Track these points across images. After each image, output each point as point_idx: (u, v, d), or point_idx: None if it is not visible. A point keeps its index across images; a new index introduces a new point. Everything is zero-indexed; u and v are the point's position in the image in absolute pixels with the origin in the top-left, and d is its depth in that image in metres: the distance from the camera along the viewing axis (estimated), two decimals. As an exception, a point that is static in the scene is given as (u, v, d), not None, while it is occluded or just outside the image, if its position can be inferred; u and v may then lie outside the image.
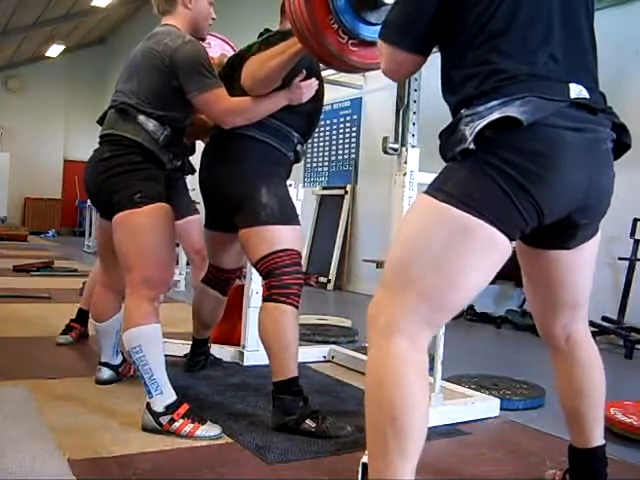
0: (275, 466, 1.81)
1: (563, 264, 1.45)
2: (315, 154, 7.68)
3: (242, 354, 3.01)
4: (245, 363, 2.98)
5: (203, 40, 2.37)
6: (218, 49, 2.72)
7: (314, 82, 2.20)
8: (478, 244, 1.23)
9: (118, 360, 2.56)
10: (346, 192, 6.96)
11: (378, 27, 1.52)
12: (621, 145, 1.39)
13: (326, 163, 7.52)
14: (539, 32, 1.28)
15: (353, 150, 7.05)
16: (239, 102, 2.15)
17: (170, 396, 2.02)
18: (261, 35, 2.38)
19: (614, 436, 2.18)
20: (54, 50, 14.54)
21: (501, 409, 2.41)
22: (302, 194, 3.16)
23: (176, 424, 1.98)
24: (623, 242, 4.19)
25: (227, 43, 3.00)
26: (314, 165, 7.70)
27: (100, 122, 2.31)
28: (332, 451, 1.93)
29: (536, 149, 1.21)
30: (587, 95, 1.28)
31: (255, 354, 3.01)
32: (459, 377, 2.71)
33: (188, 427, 1.98)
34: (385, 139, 2.06)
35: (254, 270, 2.85)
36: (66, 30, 13.86)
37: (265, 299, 2.18)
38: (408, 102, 2.06)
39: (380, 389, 1.22)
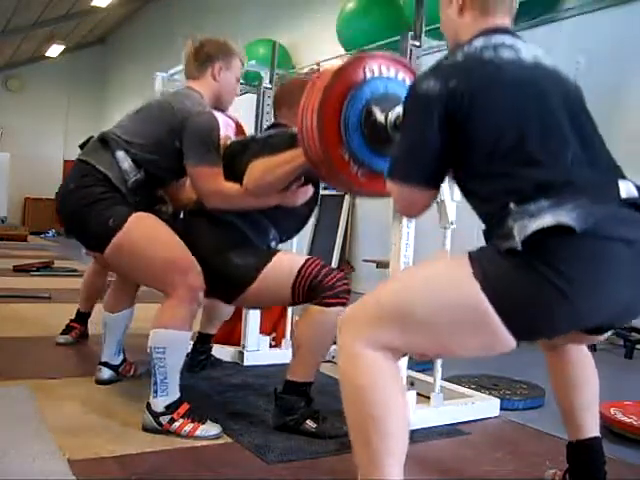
0: (275, 466, 1.81)
1: (587, 337, 1.49)
2: (315, 154, 7.67)
3: (242, 354, 3.01)
4: (245, 363, 2.98)
5: (223, 112, 2.38)
6: (223, 128, 2.71)
7: (310, 190, 2.18)
8: (482, 334, 1.22)
9: (118, 360, 2.56)
10: (346, 192, 6.95)
11: (387, 159, 1.52)
12: None
13: (326, 163, 7.51)
14: (555, 137, 1.28)
15: (353, 150, 7.05)
16: (230, 189, 2.10)
17: (173, 397, 2.02)
18: (268, 128, 2.39)
19: (614, 436, 2.18)
20: (54, 50, 14.53)
21: (501, 409, 2.42)
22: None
23: (176, 424, 1.98)
24: (623, 242, 4.19)
25: (233, 120, 3.00)
26: (314, 165, 7.70)
27: (81, 147, 2.29)
28: (332, 451, 1.93)
29: (586, 263, 1.17)
30: (636, 193, 1.25)
31: (255, 354, 3.01)
32: (459, 377, 2.72)
33: (188, 427, 1.97)
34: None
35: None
36: (66, 30, 13.84)
37: (315, 303, 2.08)
38: (408, 102, 2.06)
39: (357, 391, 1.25)
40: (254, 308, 2.75)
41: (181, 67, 2.41)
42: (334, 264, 6.75)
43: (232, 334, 3.14)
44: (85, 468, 1.70)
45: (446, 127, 1.30)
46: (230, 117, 2.98)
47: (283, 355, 2.92)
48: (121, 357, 2.58)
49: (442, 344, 1.27)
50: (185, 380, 2.09)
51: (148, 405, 2.01)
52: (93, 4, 11.75)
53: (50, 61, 15.18)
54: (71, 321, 3.28)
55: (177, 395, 2.03)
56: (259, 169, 2.07)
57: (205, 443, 1.95)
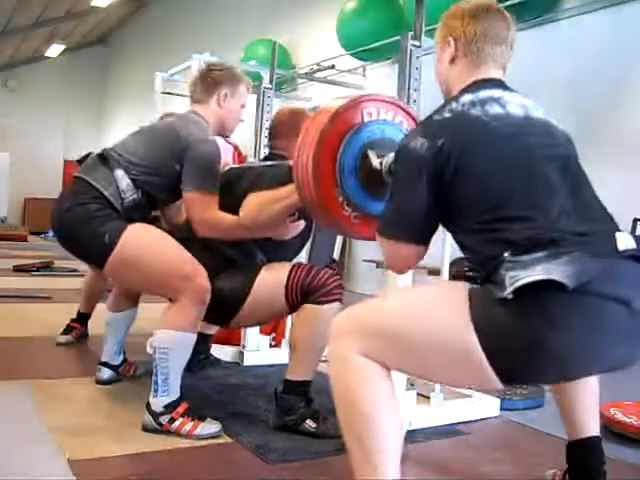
0: (275, 466, 1.81)
1: None
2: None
3: (242, 354, 3.01)
4: (245, 363, 2.98)
5: (227, 137, 2.38)
6: (222, 154, 2.71)
7: (301, 225, 2.18)
8: (469, 372, 1.23)
9: (118, 360, 2.56)
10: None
11: (382, 202, 1.55)
12: None
13: (326, 163, 7.51)
14: (542, 190, 1.28)
15: (353, 150, 7.04)
16: (223, 220, 2.09)
17: (173, 397, 2.02)
18: (265, 158, 2.39)
19: (614, 436, 2.18)
20: (54, 50, 14.54)
21: (501, 409, 2.42)
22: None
23: (176, 423, 1.98)
24: (623, 242, 4.19)
25: (232, 145, 2.99)
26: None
27: (80, 162, 2.27)
28: (332, 451, 1.93)
29: (578, 320, 1.15)
30: (634, 244, 1.23)
31: (255, 354, 3.01)
32: (459, 377, 2.71)
33: (187, 425, 1.98)
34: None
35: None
36: (66, 30, 13.85)
37: (306, 302, 2.10)
38: (408, 102, 2.06)
39: (347, 391, 1.27)
40: (255, 326, 2.75)
41: (181, 67, 2.42)
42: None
43: (232, 334, 3.14)
44: (85, 468, 1.70)
45: (434, 185, 1.32)
46: (229, 141, 2.98)
47: (283, 355, 2.92)
48: (121, 357, 2.58)
49: (430, 373, 1.30)
50: (185, 380, 2.09)
51: (148, 405, 2.01)
52: (93, 4, 11.76)
53: (50, 61, 15.19)
54: (72, 321, 3.28)
55: (177, 395, 2.03)
56: (255, 205, 2.06)
57: (205, 443, 1.95)
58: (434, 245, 1.49)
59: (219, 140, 2.32)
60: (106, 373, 2.51)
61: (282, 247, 2.27)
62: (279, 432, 2.06)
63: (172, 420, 1.98)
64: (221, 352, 3.01)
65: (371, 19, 5.81)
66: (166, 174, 2.16)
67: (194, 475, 1.75)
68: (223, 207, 2.11)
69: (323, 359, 3.19)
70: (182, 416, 1.99)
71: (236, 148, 2.96)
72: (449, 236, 2.24)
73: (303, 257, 2.52)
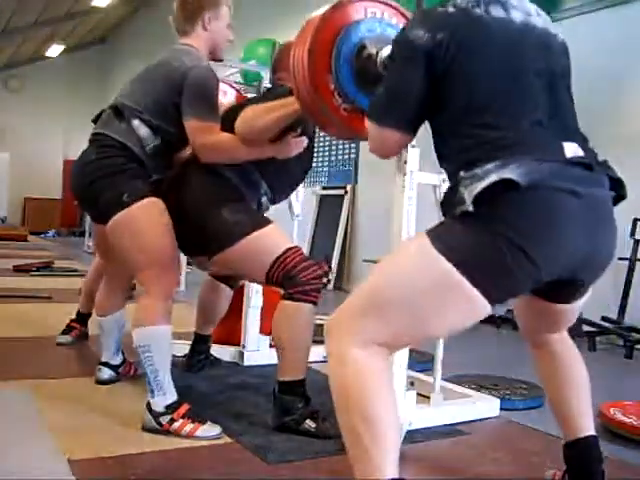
0: (275, 466, 1.81)
1: (557, 308, 1.51)
2: (315, 154, 7.67)
3: (242, 354, 3.01)
4: (245, 363, 2.98)
5: (220, 61, 2.38)
6: (223, 94, 2.72)
7: (304, 140, 2.19)
8: (457, 301, 1.25)
9: (118, 360, 2.56)
10: (346, 192, 6.95)
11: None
12: (617, 197, 1.42)
13: (326, 163, 7.52)
14: (522, 101, 1.34)
15: (353, 150, 7.05)
16: (226, 141, 2.11)
17: (171, 396, 2.02)
18: (265, 92, 2.41)
19: (614, 436, 2.18)
20: (54, 50, 14.54)
21: (501, 409, 2.41)
22: (302, 194, 3.16)
23: (176, 424, 1.98)
24: (623, 242, 4.19)
25: (234, 89, 3.00)
26: (314, 165, 7.70)
27: (94, 121, 2.31)
28: (332, 451, 1.93)
29: (533, 211, 1.23)
30: (582, 153, 1.31)
31: (255, 354, 3.01)
32: (459, 377, 2.72)
33: (188, 427, 1.97)
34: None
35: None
36: (66, 30, 13.85)
37: (285, 297, 2.10)
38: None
39: (345, 391, 1.27)
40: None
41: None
42: (334, 264, 6.75)
43: (232, 334, 3.14)
44: (85, 468, 1.70)
45: (429, 75, 1.35)
46: (232, 86, 2.98)
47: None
48: (121, 357, 2.58)
49: (424, 325, 1.29)
50: (185, 380, 2.10)
51: (148, 405, 2.01)
52: (93, 4, 11.76)
53: (50, 61, 15.19)
54: (71, 321, 3.28)
55: (175, 395, 2.03)
56: (251, 112, 2.09)
57: (205, 443, 1.95)
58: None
59: (224, 86, 2.29)
60: (106, 373, 2.51)
61: (285, 173, 2.29)
62: (279, 432, 2.06)
63: (172, 421, 1.98)
64: (221, 352, 3.01)
65: (371, 19, 5.80)
66: (173, 113, 2.16)
67: (194, 475, 1.74)
68: None
69: (323, 359, 3.20)
70: (183, 417, 1.99)
71: (239, 92, 2.96)
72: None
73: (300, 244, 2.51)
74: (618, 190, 1.40)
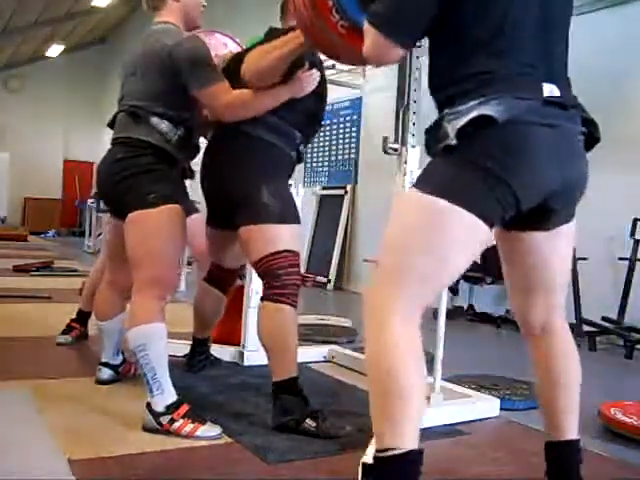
0: (275, 466, 1.81)
1: (540, 246, 1.53)
2: (315, 154, 7.68)
3: (242, 354, 3.01)
4: (245, 363, 2.98)
5: (198, 28, 2.38)
6: (219, 48, 2.71)
7: (315, 73, 2.19)
8: (462, 230, 1.35)
9: (118, 360, 2.56)
10: (346, 192, 6.95)
11: None
12: (593, 139, 1.49)
13: (326, 163, 7.52)
14: (521, 41, 1.38)
15: (353, 150, 7.05)
16: (240, 95, 2.14)
17: (171, 396, 2.02)
18: (267, 34, 2.38)
19: (614, 436, 2.19)
20: (54, 50, 14.54)
21: (501, 409, 2.41)
22: (302, 194, 3.16)
23: (176, 424, 1.98)
24: (623, 242, 4.20)
25: (234, 41, 2.99)
26: (314, 165, 7.70)
27: (110, 125, 2.32)
28: (332, 451, 1.93)
29: (511, 143, 1.33)
30: (558, 93, 1.39)
31: (255, 354, 3.01)
32: (459, 377, 2.72)
33: (188, 427, 1.97)
34: (385, 139, 2.06)
35: (254, 270, 2.86)
36: (66, 30, 13.85)
37: (264, 298, 2.17)
38: (408, 102, 2.06)
39: (379, 359, 1.33)
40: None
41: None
42: (334, 264, 6.75)
43: (232, 334, 3.14)
44: (85, 468, 1.70)
45: None
46: (233, 39, 2.96)
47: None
48: (121, 357, 2.58)
49: (450, 260, 1.37)
50: (185, 380, 2.10)
51: (148, 405, 2.01)
52: (93, 4, 11.77)
53: (50, 61, 15.19)
54: (71, 321, 3.27)
55: (174, 395, 2.03)
56: (254, 56, 2.11)
57: (205, 443, 1.95)
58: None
59: (224, 38, 2.29)
60: (106, 373, 2.51)
61: (309, 114, 2.31)
62: (279, 432, 2.06)
63: (172, 421, 1.98)
64: (221, 352, 3.01)
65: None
66: (181, 96, 2.17)
67: (194, 475, 1.74)
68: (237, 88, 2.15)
69: (323, 359, 3.20)
70: (183, 417, 1.99)
71: (239, 45, 2.94)
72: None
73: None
74: (592, 130, 1.48)
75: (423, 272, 1.36)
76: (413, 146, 2.05)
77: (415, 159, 2.05)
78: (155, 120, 2.16)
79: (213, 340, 2.94)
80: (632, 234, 4.14)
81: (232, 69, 2.26)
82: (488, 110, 1.31)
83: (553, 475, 1.60)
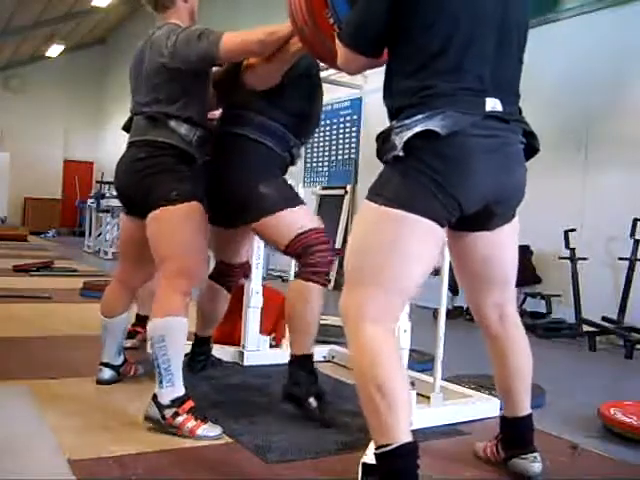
0: (275, 466, 1.81)
1: (487, 242, 1.67)
2: (315, 154, 7.68)
3: (242, 354, 3.01)
4: (245, 363, 2.98)
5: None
6: None
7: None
8: (417, 233, 1.47)
9: (120, 360, 2.57)
10: (346, 192, 6.96)
11: None
12: (532, 149, 1.62)
13: (326, 163, 7.52)
14: (472, 55, 1.47)
15: (353, 150, 7.05)
16: (246, 33, 2.15)
17: (179, 390, 2.03)
18: None
19: (614, 436, 2.19)
20: (54, 50, 14.55)
21: (501, 409, 2.40)
22: (302, 194, 3.16)
23: (179, 418, 1.99)
24: (623, 242, 4.20)
25: None
26: (314, 165, 7.71)
27: (125, 129, 2.35)
28: (332, 451, 1.93)
29: (451, 154, 1.46)
30: (500, 108, 1.50)
31: (255, 354, 3.01)
32: (459, 377, 2.71)
33: (190, 423, 1.98)
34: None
35: (254, 270, 2.88)
36: (66, 30, 13.86)
37: (297, 276, 2.30)
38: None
39: (362, 367, 1.46)
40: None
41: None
42: (334, 264, 6.74)
43: (232, 334, 3.14)
44: (85, 468, 1.70)
45: (393, 10, 1.48)
46: None
47: (283, 355, 2.91)
48: (122, 358, 2.58)
49: (409, 267, 1.48)
50: (185, 380, 2.09)
51: (155, 396, 2.02)
52: (93, 4, 11.77)
53: (50, 61, 15.19)
54: (133, 326, 3.18)
55: (183, 390, 2.05)
56: (255, 62, 2.21)
57: (205, 443, 1.95)
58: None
59: None
60: (107, 373, 2.51)
61: (303, 117, 2.39)
62: (279, 432, 2.06)
63: (176, 414, 1.99)
64: (221, 352, 3.01)
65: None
66: (192, 97, 2.20)
67: (194, 475, 1.74)
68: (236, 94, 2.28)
69: (323, 359, 3.20)
70: (187, 413, 2.00)
71: None
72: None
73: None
74: (531, 142, 1.61)
75: (386, 277, 1.47)
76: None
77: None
78: (173, 123, 2.18)
79: (213, 340, 2.93)
80: (632, 234, 4.14)
81: (230, 71, 2.31)
82: (432, 125, 1.43)
83: (511, 443, 1.83)
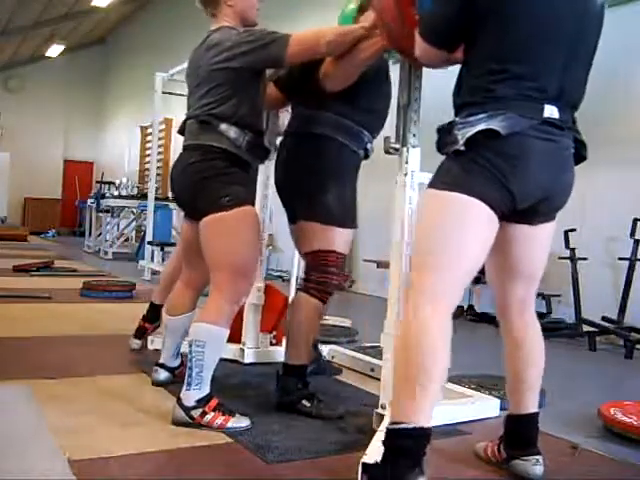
0: (275, 466, 1.81)
1: (526, 235, 1.75)
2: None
3: (242, 352, 3.01)
4: (245, 361, 2.98)
5: (255, 25, 2.40)
6: None
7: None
8: (479, 217, 1.57)
9: (176, 363, 2.55)
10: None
11: None
12: (580, 157, 1.72)
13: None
14: (540, 67, 1.58)
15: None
16: (318, 31, 2.21)
17: (204, 391, 2.05)
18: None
19: (614, 436, 2.19)
20: (54, 50, 14.54)
21: (501, 409, 2.41)
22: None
23: (208, 417, 2.02)
24: (623, 242, 4.19)
25: None
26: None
27: (180, 132, 2.37)
28: (332, 451, 1.94)
29: (511, 153, 1.56)
30: (557, 115, 1.60)
31: (255, 352, 3.01)
32: (459, 377, 2.71)
33: (219, 419, 2.02)
34: (386, 139, 2.06)
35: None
36: (66, 30, 13.85)
37: (302, 290, 2.36)
38: (409, 101, 2.05)
39: (409, 343, 1.53)
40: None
41: (181, 67, 2.41)
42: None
43: (233, 332, 3.13)
44: (85, 468, 1.70)
45: (467, 10, 1.58)
46: None
47: (283, 353, 2.91)
48: (179, 360, 2.56)
49: (463, 250, 1.58)
50: (185, 380, 2.09)
51: (179, 399, 2.04)
52: (93, 4, 11.76)
53: (50, 61, 15.19)
54: (143, 319, 3.15)
55: (208, 390, 2.06)
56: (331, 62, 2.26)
57: (206, 443, 1.95)
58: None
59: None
60: (162, 374, 2.51)
61: (369, 113, 2.42)
62: (279, 432, 2.06)
63: (204, 414, 2.02)
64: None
65: (371, 19, 5.79)
66: (243, 101, 2.20)
67: (194, 475, 1.74)
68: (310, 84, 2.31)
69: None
70: (214, 410, 2.03)
71: None
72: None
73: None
74: (581, 150, 1.71)
75: (450, 257, 1.57)
76: (414, 146, 2.04)
77: (416, 159, 2.04)
78: (224, 127, 2.18)
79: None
80: (632, 234, 4.14)
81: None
82: (493, 124, 1.54)
83: (514, 443, 1.83)
